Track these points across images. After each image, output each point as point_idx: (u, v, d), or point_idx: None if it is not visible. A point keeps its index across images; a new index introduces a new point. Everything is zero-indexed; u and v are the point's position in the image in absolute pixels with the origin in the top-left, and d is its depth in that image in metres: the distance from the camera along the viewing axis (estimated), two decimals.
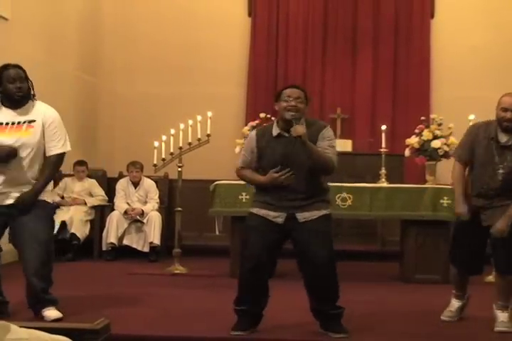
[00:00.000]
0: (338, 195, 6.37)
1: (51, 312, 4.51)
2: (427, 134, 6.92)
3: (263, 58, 9.56)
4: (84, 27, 9.11)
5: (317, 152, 4.12)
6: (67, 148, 4.58)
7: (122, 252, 7.85)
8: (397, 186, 6.66)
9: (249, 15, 9.62)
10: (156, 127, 7.98)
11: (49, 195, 4.63)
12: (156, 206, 8.03)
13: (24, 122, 4.46)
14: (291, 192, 4.14)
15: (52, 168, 4.55)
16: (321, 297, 4.25)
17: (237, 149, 7.37)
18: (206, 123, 6.96)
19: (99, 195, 8.10)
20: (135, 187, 8.11)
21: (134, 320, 4.57)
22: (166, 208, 8.31)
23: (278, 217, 4.19)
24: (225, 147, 8.27)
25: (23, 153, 4.43)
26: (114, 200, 8.04)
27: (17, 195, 4.46)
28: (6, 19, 7.03)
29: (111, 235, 7.77)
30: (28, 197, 4.44)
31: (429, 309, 5.14)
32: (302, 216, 4.17)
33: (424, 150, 6.94)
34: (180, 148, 6.97)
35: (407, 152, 7.13)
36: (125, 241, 7.84)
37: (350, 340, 4.18)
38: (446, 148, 6.86)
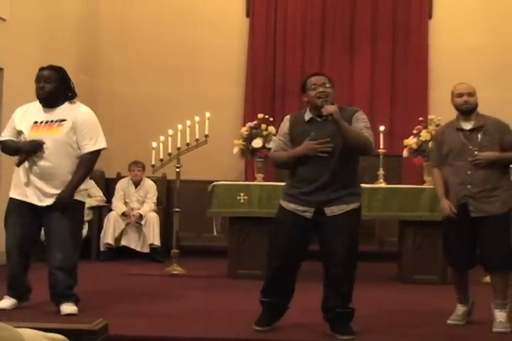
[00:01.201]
0: None
1: (67, 308, 4.61)
2: (424, 135, 6.92)
3: (261, 58, 9.53)
4: (83, 27, 9.10)
5: (351, 129, 4.10)
6: (101, 145, 4.76)
7: (121, 253, 7.86)
8: (395, 187, 6.66)
9: (248, 14, 9.61)
10: (154, 128, 7.98)
11: (83, 194, 4.79)
12: (153, 207, 8.03)
13: (56, 121, 4.68)
14: (325, 180, 4.12)
15: (84, 166, 4.71)
16: (335, 291, 4.20)
17: (235, 150, 7.35)
18: (204, 124, 6.96)
19: (97, 196, 8.09)
20: (135, 187, 8.12)
21: (131, 321, 4.56)
22: (164, 209, 8.31)
23: (307, 211, 4.19)
24: (223, 148, 8.25)
25: (52, 149, 4.61)
26: (112, 200, 8.04)
27: (51, 195, 4.61)
28: (4, 20, 7.03)
29: (107, 236, 7.78)
30: (63, 195, 4.61)
31: (427, 309, 5.15)
32: (330, 210, 4.16)
33: (422, 150, 6.93)
34: (179, 148, 6.97)
35: (405, 153, 7.13)
36: (123, 242, 7.85)
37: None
38: None
